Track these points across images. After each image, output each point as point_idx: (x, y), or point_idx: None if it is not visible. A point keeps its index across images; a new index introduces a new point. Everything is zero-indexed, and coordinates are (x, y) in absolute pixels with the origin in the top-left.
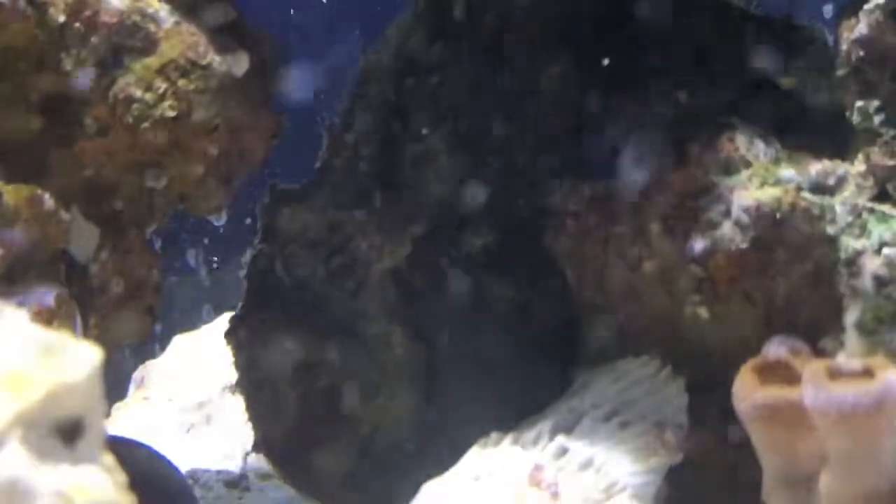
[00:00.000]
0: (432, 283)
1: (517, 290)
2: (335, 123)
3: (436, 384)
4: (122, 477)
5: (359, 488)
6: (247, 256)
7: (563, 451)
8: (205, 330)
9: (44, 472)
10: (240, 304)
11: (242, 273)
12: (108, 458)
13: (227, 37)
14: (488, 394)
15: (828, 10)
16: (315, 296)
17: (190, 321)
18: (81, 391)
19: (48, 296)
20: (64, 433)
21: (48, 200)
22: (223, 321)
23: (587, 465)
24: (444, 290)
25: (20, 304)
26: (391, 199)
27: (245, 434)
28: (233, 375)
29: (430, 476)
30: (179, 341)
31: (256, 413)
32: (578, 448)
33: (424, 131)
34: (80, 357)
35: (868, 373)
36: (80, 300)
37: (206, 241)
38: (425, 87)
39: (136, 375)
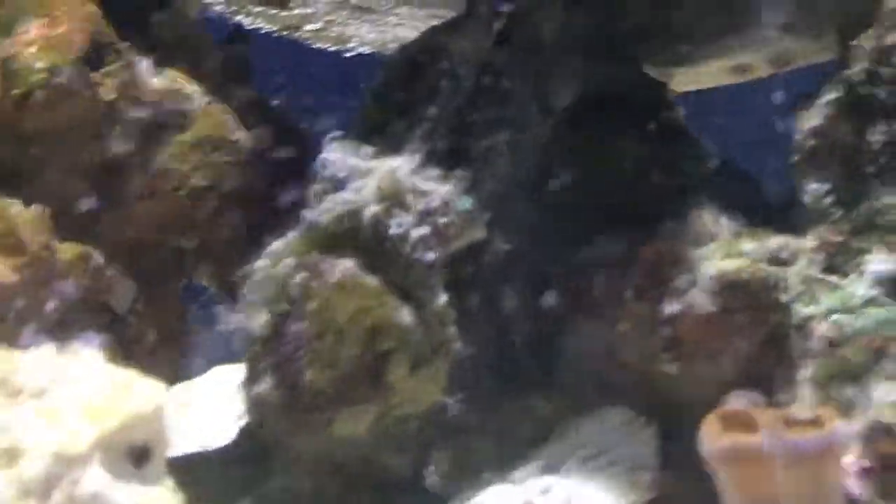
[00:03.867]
0: (473, 275)
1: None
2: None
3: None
4: (181, 498)
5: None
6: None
7: (549, 489)
8: (197, 382)
9: (120, 489)
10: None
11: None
12: (170, 481)
13: (250, 114)
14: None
15: (777, 96)
16: (398, 252)
17: (183, 373)
18: (150, 421)
19: (95, 341)
20: (135, 457)
21: (97, 257)
22: (215, 373)
23: (569, 501)
24: (475, 287)
25: None
26: (477, 181)
27: None
28: (227, 424)
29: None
30: (173, 392)
31: (315, 352)
32: (563, 486)
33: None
34: (150, 391)
35: (818, 422)
36: (119, 347)
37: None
38: (497, 89)
39: None
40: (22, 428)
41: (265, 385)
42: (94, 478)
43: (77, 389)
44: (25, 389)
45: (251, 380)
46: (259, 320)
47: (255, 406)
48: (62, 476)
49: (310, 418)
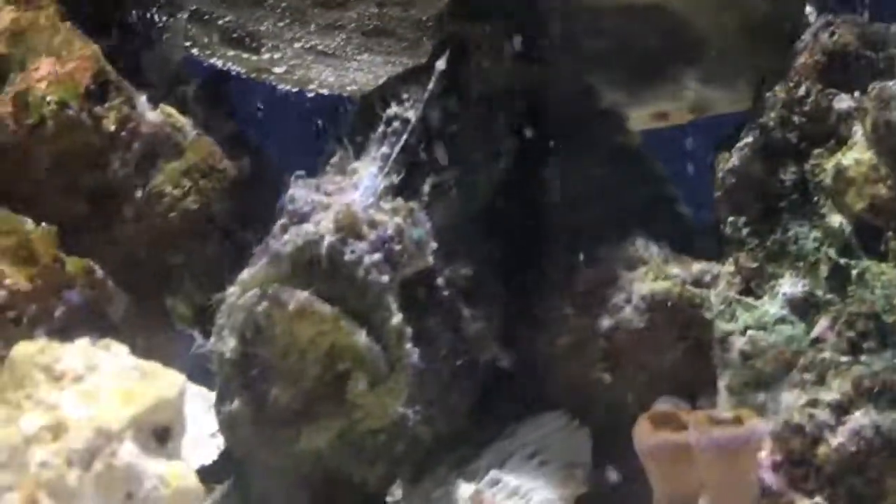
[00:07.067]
0: (427, 298)
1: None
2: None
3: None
4: (195, 475)
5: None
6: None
7: (497, 481)
8: None
9: (148, 462)
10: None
11: None
12: (186, 459)
13: (233, 145)
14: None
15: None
16: (353, 277)
17: None
18: (173, 405)
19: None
20: (159, 436)
21: (99, 270)
22: None
23: (515, 492)
24: (433, 309)
25: None
26: (430, 213)
27: None
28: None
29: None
30: None
31: (280, 372)
32: (508, 479)
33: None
34: (172, 379)
35: (738, 421)
36: None
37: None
38: (444, 134)
39: None
40: (66, 407)
41: (236, 404)
42: (129, 450)
43: (110, 376)
44: (67, 375)
45: (223, 399)
46: (229, 345)
47: (228, 423)
48: (102, 448)
49: (278, 433)
